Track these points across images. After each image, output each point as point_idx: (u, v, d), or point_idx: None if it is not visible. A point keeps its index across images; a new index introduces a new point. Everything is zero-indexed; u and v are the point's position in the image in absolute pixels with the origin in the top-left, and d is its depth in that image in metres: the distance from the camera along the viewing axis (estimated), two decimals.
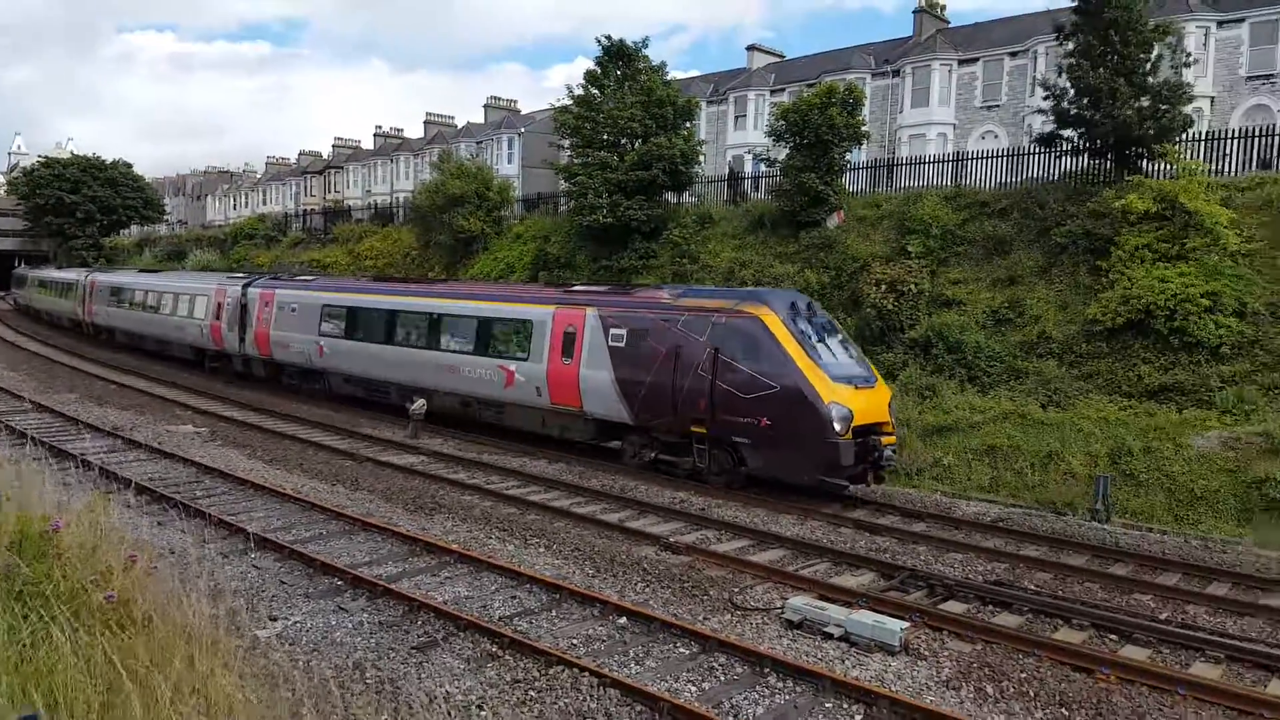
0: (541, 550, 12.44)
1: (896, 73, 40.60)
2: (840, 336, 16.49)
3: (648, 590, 10.85)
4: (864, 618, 9.50)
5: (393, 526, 13.03)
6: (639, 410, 16.61)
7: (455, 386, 20.39)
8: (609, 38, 30.76)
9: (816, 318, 16.15)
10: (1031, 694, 8.19)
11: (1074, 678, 8.58)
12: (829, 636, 9.45)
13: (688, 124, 30.63)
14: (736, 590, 10.84)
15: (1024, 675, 8.54)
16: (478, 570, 11.28)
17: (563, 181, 32.79)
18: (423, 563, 11.60)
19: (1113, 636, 9.78)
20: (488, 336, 19.58)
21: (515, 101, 63.95)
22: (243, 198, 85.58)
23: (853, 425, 14.37)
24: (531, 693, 7.87)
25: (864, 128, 27.07)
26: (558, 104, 32.58)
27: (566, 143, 32.56)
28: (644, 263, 29.09)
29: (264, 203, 79.75)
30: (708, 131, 44.16)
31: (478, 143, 56.78)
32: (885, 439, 15.08)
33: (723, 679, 8.34)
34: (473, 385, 19.86)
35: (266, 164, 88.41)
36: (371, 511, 14.10)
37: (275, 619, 9.45)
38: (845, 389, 14.73)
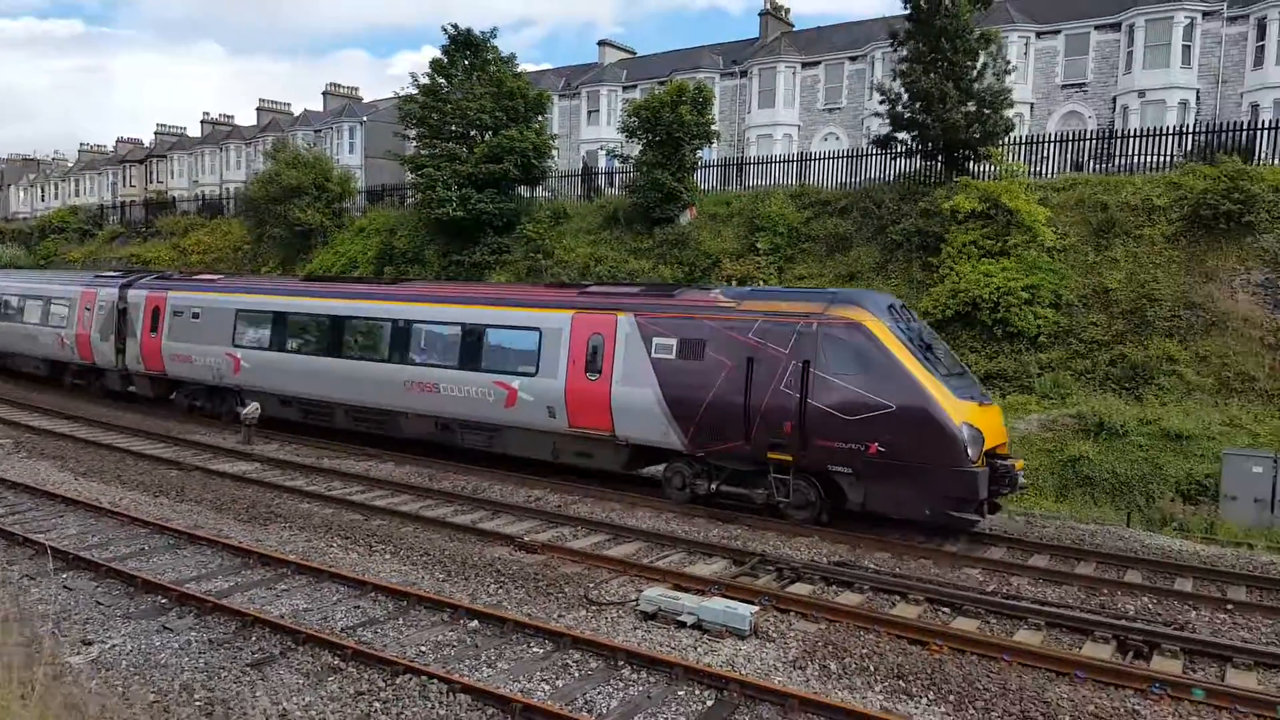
0: (388, 557, 12.09)
1: (744, 73, 41.85)
2: (943, 345, 14.58)
3: (501, 591, 10.75)
4: (715, 604, 9.76)
5: (223, 539, 12.33)
6: (695, 435, 14.32)
7: (431, 407, 17.48)
8: (455, 27, 30.27)
9: (914, 322, 14.15)
10: (872, 668, 8.65)
11: (911, 650, 9.12)
12: (683, 625, 9.65)
13: (539, 117, 30.53)
14: (592, 586, 10.90)
15: (865, 651, 9.00)
16: (318, 581, 10.85)
17: (409, 173, 31.97)
18: (257, 575, 11.05)
19: (945, 610, 10.47)
20: (479, 347, 16.76)
21: (357, 89, 61.81)
22: (52, 188, 78.68)
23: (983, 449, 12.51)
24: (376, 704, 7.64)
25: (714, 126, 27.78)
26: (403, 93, 31.73)
27: (412, 133, 31.78)
28: (497, 258, 28.80)
29: (76, 194, 73.56)
30: (561, 126, 44.14)
31: (316, 131, 54.47)
32: (1015, 463, 13.25)
33: (577, 675, 8.37)
34: (457, 406, 17.01)
35: (80, 152, 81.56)
36: (199, 524, 13.30)
37: (90, 643, 8.77)
38: (969, 405, 12.76)
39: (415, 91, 30.74)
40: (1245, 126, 24.72)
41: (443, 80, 30.50)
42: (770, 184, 28.95)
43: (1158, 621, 10.21)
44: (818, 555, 12.56)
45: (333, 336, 19.14)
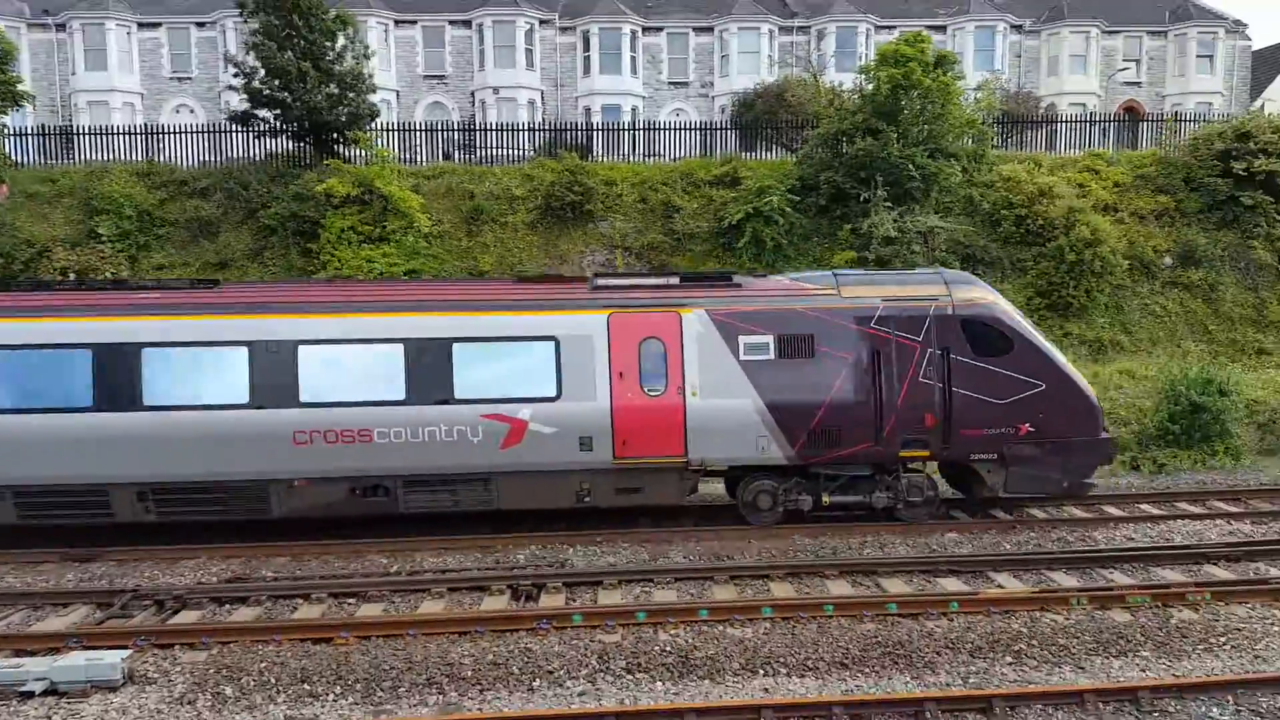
0: None
1: (62, 26, 36.33)
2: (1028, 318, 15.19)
3: None
4: (73, 660, 8.41)
5: None
6: (804, 445, 13.04)
7: (348, 465, 12.70)
8: None
9: None
10: (273, 681, 8.32)
11: (315, 650, 9.00)
12: (30, 695, 8.12)
13: None
14: None
15: (264, 665, 8.62)
16: None
17: None
18: None
19: (351, 601, 10.56)
20: (445, 371, 12.73)
21: None
22: None
23: None
24: None
25: (21, 85, 23.55)
26: None
27: None
28: None
29: None
30: None
31: None
32: None
33: None
34: (406, 457, 12.68)
35: None
36: None
37: None
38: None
39: None
40: (582, 127, 29.44)
41: None
42: (111, 159, 25.66)
43: (543, 564, 11.69)
44: (206, 576, 11.65)
45: (126, 377, 12.55)
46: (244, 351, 12.62)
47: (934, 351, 13.08)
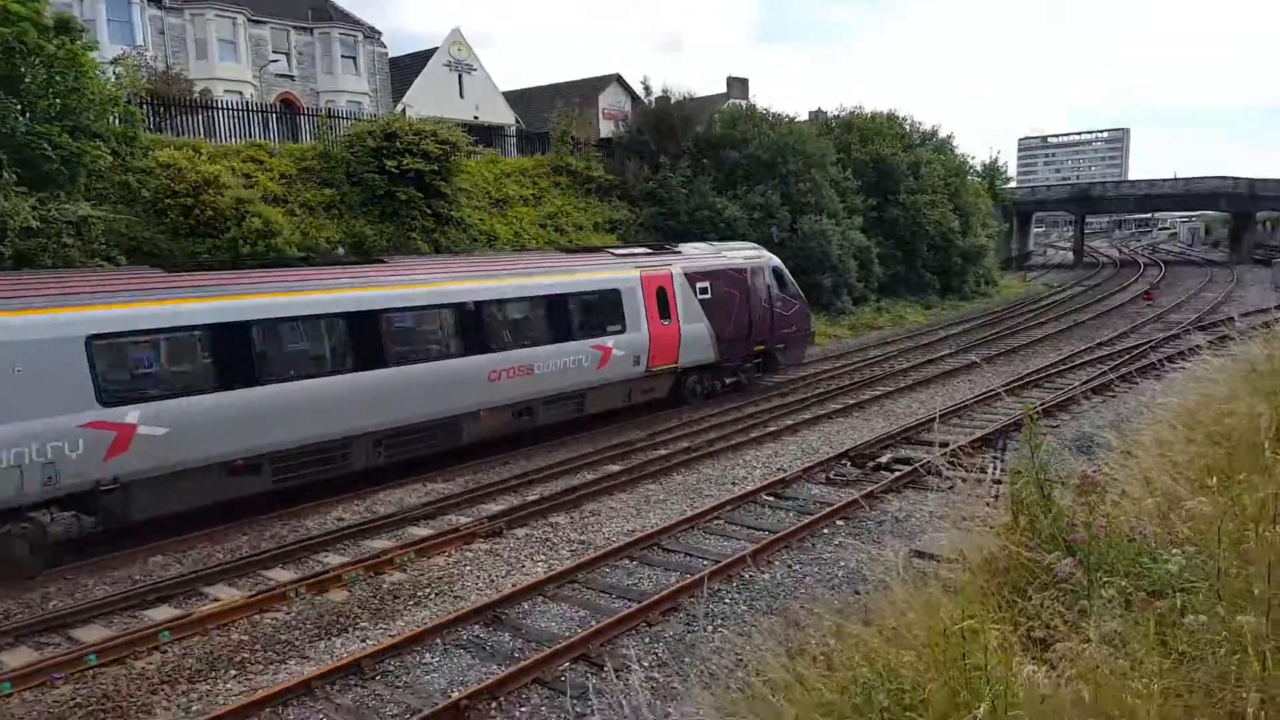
0: None
1: None
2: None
3: None
4: None
5: None
6: (722, 350, 21.46)
7: (516, 394, 17.01)
8: None
9: None
10: None
11: None
12: None
13: None
14: None
15: None
16: None
17: None
18: None
19: None
20: (568, 316, 18.27)
21: None
22: None
23: None
24: None
25: None
26: None
27: None
28: None
29: None
30: None
31: None
32: None
33: None
34: (549, 382, 17.66)
35: None
36: None
37: None
38: None
39: None
40: None
41: None
42: None
43: None
44: None
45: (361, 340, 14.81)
46: (452, 312, 16.39)
47: (766, 287, 22.62)
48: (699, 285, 20.78)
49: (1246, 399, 6.97)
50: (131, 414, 12.12)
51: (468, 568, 11.64)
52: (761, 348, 22.52)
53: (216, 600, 10.73)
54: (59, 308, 11.80)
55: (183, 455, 12.59)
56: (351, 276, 15.26)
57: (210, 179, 21.92)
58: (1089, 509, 5.50)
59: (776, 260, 23.83)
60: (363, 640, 9.69)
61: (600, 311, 18.72)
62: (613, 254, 20.62)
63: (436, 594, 10.86)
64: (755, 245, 24.83)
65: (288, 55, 43.36)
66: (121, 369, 12.43)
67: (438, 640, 9.49)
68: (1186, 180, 74.53)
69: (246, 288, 13.79)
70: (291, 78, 43.38)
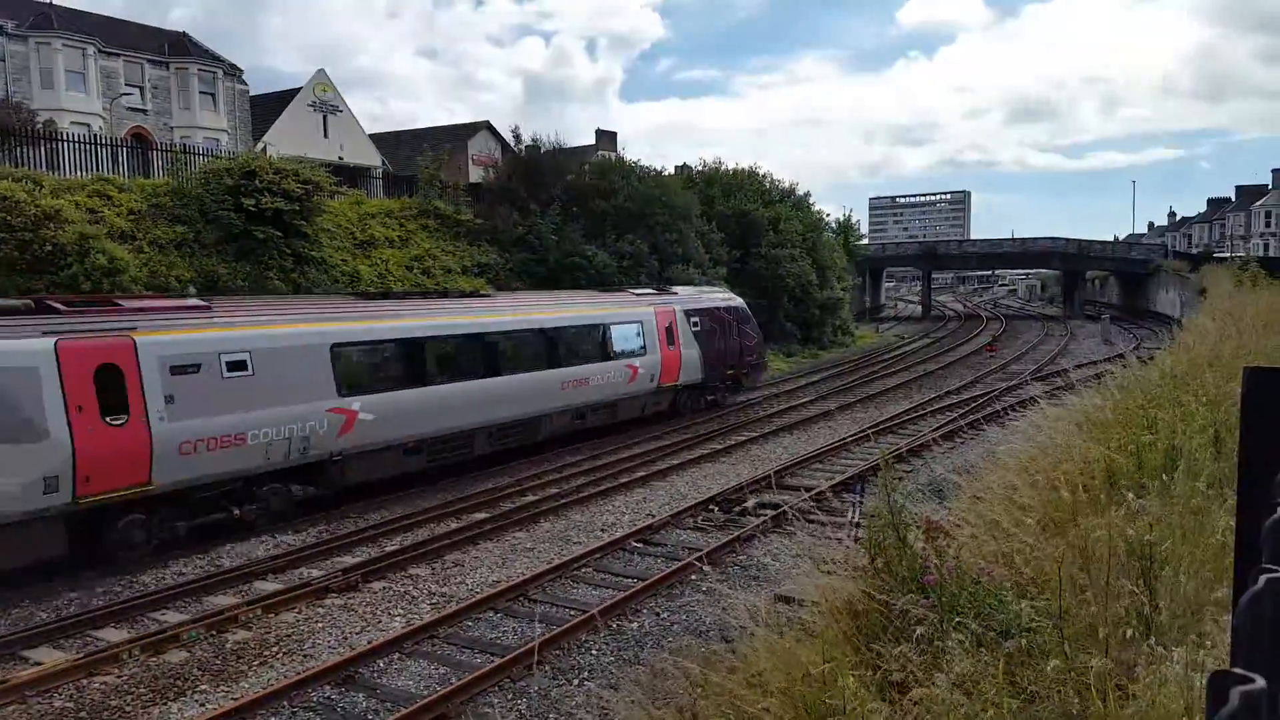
0: None
1: None
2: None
3: None
4: None
5: None
6: (708, 372, 26.09)
7: (575, 400, 21.52)
8: None
9: None
10: None
11: None
12: None
13: None
14: None
15: None
16: None
17: None
18: None
19: None
20: (608, 342, 22.78)
21: None
22: None
23: None
24: None
25: None
26: None
27: None
28: None
29: None
30: None
31: None
32: None
33: None
34: (596, 393, 22.18)
35: None
36: None
37: None
38: None
39: None
40: None
41: None
42: None
43: None
44: None
45: (484, 355, 19.57)
46: (539, 335, 21.04)
47: (736, 323, 27.43)
48: (692, 320, 25.84)
49: (1081, 446, 7.31)
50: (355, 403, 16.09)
51: (319, 624, 11.05)
52: (733, 371, 27.63)
53: (39, 665, 9.84)
54: (314, 323, 16.08)
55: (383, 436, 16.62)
56: (479, 307, 20.42)
57: (51, 213, 20.61)
58: (939, 551, 5.61)
59: (741, 301, 29.38)
60: (202, 705, 9.03)
61: (630, 338, 23.62)
62: (633, 294, 25.86)
63: (285, 653, 10.25)
64: (726, 289, 31.51)
65: (141, 89, 41.54)
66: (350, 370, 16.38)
67: (285, 703, 8.93)
68: (1023, 240, 79.49)
69: (419, 312, 18.48)
70: (145, 112, 41.54)
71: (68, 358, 12.25)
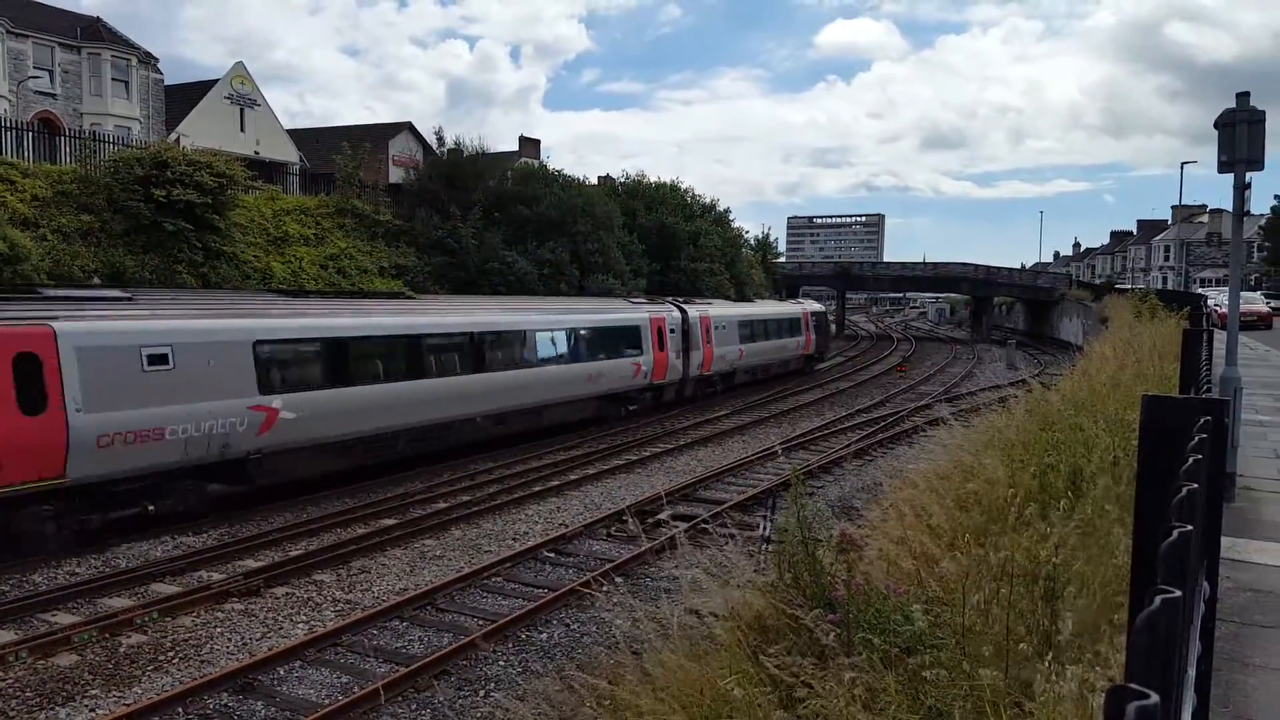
0: None
1: None
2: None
3: None
4: None
5: None
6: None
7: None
8: None
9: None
10: None
11: None
12: None
13: None
14: None
15: None
16: None
17: None
18: None
19: None
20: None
21: None
22: None
23: None
24: None
25: None
26: None
27: None
28: None
29: None
30: None
31: None
32: None
33: None
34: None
35: None
36: None
37: None
38: None
39: None
40: None
41: None
42: None
43: None
44: None
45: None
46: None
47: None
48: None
49: (988, 466, 7.50)
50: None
51: (218, 629, 10.68)
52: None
53: None
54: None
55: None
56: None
57: None
58: (848, 567, 5.68)
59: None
60: (92, 710, 8.65)
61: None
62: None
63: (181, 658, 9.87)
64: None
65: (51, 73, 39.86)
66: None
67: (179, 710, 8.59)
68: (935, 265, 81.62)
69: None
70: (54, 96, 39.86)
71: None
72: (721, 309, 34.42)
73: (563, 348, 24.17)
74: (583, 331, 25.21)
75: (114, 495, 13.68)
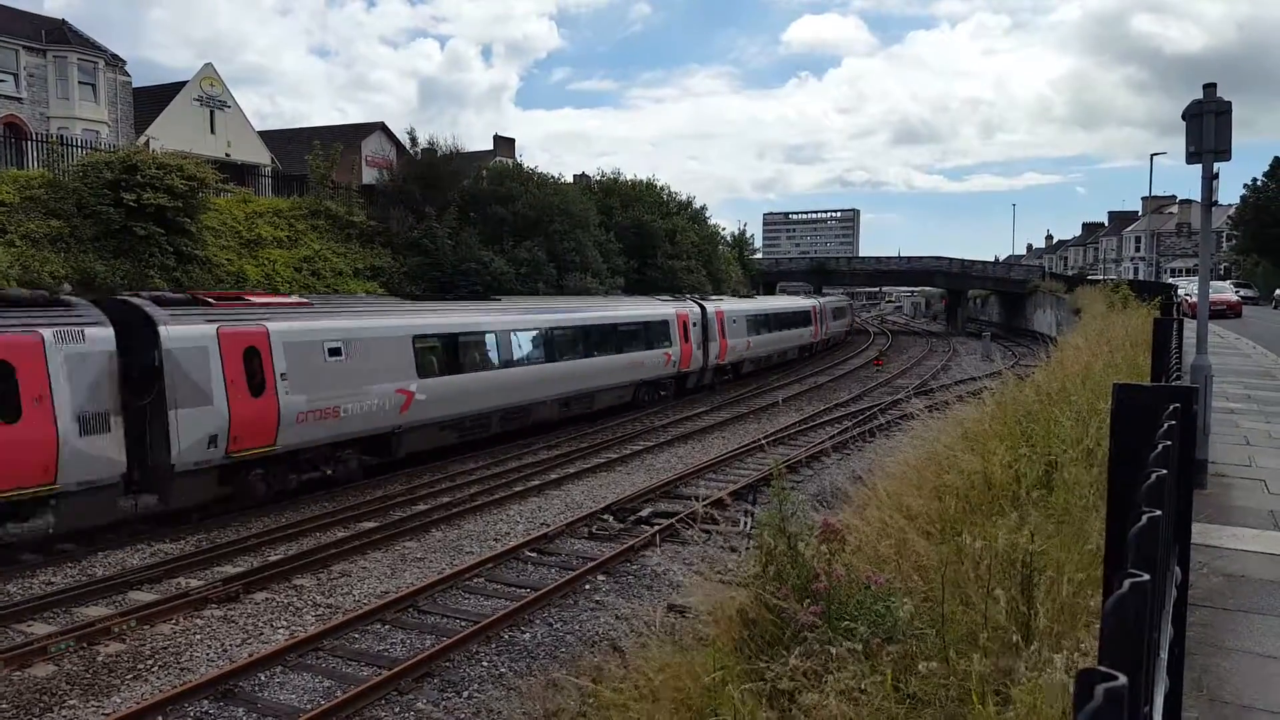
0: None
1: None
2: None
3: None
4: None
5: None
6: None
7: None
8: None
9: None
10: None
11: None
12: None
13: None
14: None
15: None
16: None
17: None
18: None
19: None
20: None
21: None
22: None
23: None
24: None
25: None
26: None
27: None
28: None
29: None
30: None
31: None
32: None
33: None
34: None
35: None
36: None
37: None
38: None
39: None
40: None
41: None
42: None
43: None
44: None
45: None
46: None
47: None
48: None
49: (965, 457, 7.57)
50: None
51: (198, 636, 10.61)
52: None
53: None
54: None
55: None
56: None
57: None
58: (829, 558, 5.73)
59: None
60: None
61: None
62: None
63: (160, 666, 9.80)
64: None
65: (16, 76, 39.33)
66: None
67: (159, 718, 8.54)
68: (910, 259, 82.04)
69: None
70: (19, 100, 39.32)
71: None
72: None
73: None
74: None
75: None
